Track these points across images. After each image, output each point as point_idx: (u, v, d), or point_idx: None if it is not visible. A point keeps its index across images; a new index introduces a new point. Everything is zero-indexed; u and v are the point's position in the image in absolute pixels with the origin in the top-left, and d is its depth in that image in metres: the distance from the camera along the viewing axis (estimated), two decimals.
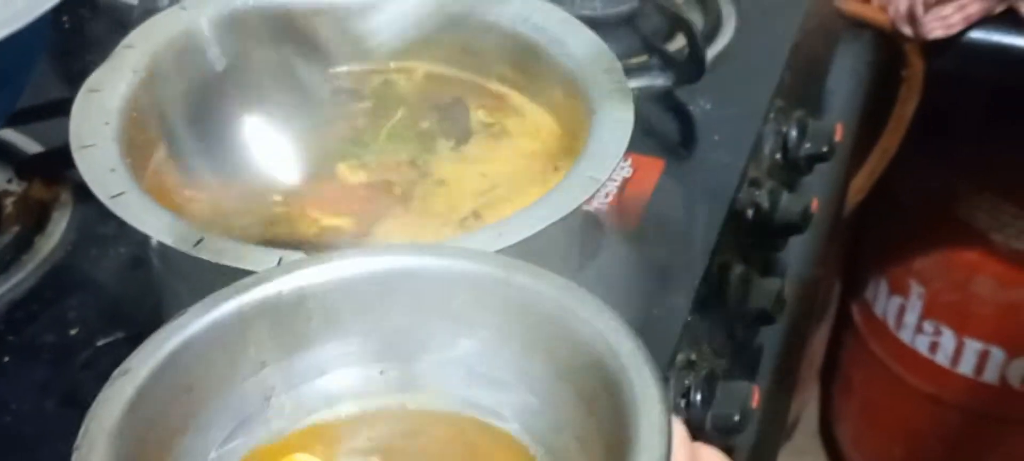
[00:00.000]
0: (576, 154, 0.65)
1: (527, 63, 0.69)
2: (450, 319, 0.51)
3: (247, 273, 0.53)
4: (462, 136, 0.69)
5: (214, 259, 0.54)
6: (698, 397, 0.74)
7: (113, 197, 0.56)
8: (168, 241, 0.55)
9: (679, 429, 0.46)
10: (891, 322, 1.62)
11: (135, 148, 0.61)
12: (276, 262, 0.54)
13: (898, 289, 1.59)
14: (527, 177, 0.67)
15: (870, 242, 1.64)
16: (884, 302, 1.63)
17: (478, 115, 0.71)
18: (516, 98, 0.71)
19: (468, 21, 0.70)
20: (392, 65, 0.72)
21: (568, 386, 0.50)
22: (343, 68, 0.72)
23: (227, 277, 0.52)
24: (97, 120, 0.61)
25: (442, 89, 0.72)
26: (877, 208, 1.47)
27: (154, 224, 0.56)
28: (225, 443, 0.50)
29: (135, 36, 0.66)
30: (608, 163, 0.59)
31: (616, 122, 0.62)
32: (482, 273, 0.51)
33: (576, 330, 0.48)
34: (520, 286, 0.50)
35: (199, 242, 0.54)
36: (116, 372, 0.46)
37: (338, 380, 0.52)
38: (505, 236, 0.56)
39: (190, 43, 0.66)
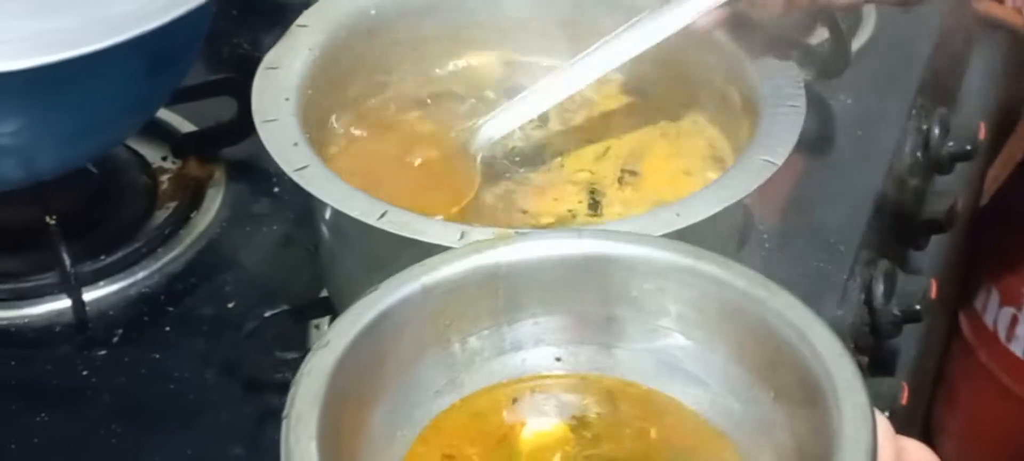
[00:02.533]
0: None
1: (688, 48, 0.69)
2: (633, 306, 0.52)
3: (428, 247, 0.54)
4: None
5: (398, 231, 0.55)
6: None
7: (297, 170, 0.57)
8: (353, 213, 0.56)
9: (883, 422, 0.45)
10: (1002, 333, 1.58)
11: (310, 125, 0.62)
12: (458, 236, 0.55)
13: (1010, 299, 1.56)
14: (634, 131, 0.69)
15: (982, 250, 1.62)
16: (995, 312, 1.59)
17: None
18: None
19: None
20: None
21: (753, 376, 0.49)
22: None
23: (405, 250, 0.53)
24: (277, 95, 0.62)
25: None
26: (992, 215, 1.45)
27: (339, 196, 0.57)
28: (414, 417, 0.51)
29: (309, 16, 0.67)
30: (783, 148, 0.59)
31: (788, 107, 0.62)
32: (667, 261, 0.51)
33: (766, 321, 0.48)
34: (706, 275, 0.50)
35: (383, 214, 0.55)
36: (316, 345, 0.47)
37: (525, 359, 0.53)
38: (684, 216, 0.56)
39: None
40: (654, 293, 0.51)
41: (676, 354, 0.51)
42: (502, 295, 0.52)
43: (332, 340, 0.47)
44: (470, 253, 0.51)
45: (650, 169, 0.68)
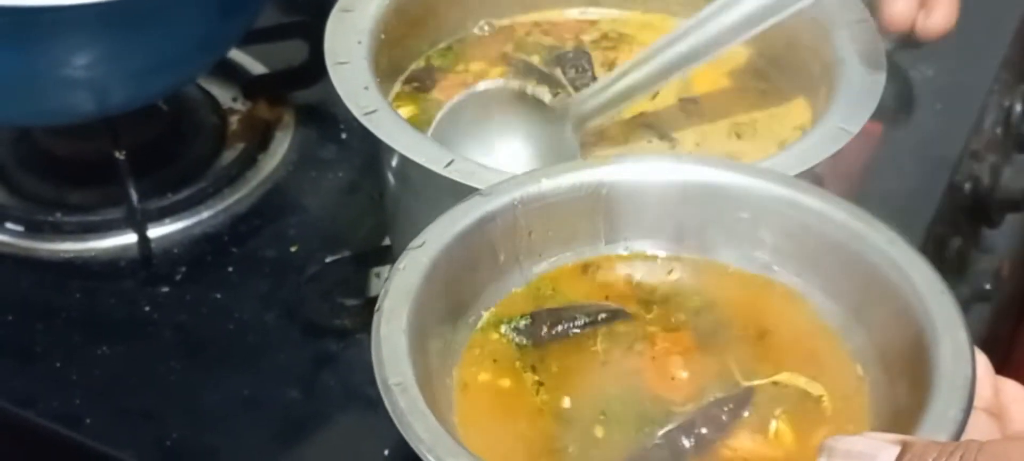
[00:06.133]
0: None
1: None
2: (728, 235, 0.51)
3: None
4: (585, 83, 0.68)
5: (464, 180, 0.54)
6: None
7: (367, 114, 0.57)
8: (420, 160, 0.55)
9: (983, 359, 0.45)
10: None
11: (381, 70, 0.62)
12: None
13: None
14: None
15: None
16: None
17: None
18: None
19: None
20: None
21: (848, 311, 0.49)
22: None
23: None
24: (350, 38, 0.61)
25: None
26: None
27: (407, 143, 0.56)
28: None
29: None
30: (860, 115, 0.58)
31: (867, 74, 0.60)
32: (766, 190, 0.51)
33: (865, 255, 0.48)
34: (806, 207, 0.50)
35: (450, 163, 0.55)
36: (412, 244, 0.47)
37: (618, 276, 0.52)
38: None
39: None
40: (750, 223, 0.51)
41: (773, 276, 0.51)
42: (600, 215, 0.52)
43: (428, 241, 0.48)
44: (572, 170, 0.51)
45: (705, 95, 0.67)
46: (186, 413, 0.64)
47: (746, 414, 0.47)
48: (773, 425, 0.47)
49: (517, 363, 0.49)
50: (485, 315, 0.50)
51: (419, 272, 0.47)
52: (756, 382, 0.48)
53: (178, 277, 0.72)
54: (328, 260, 0.67)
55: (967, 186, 0.84)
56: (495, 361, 0.49)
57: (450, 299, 0.48)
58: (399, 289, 0.46)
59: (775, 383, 0.48)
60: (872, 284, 0.48)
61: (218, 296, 0.71)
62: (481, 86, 0.61)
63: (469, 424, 0.46)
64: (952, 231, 0.82)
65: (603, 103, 0.62)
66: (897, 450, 0.38)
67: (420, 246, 0.48)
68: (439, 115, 0.60)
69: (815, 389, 0.48)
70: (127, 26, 0.65)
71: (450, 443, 0.41)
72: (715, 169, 0.51)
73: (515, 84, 0.62)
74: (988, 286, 0.79)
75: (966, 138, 0.82)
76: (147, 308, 0.70)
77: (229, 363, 0.67)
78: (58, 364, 0.66)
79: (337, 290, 0.69)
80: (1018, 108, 0.88)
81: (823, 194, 0.50)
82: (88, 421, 0.63)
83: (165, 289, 0.71)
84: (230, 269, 0.72)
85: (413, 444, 0.41)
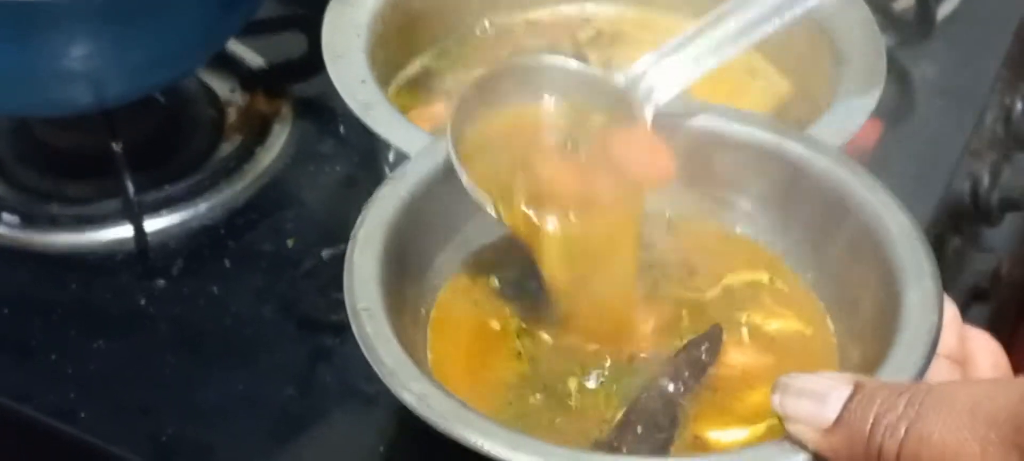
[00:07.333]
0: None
1: None
2: (712, 180, 0.52)
3: None
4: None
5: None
6: None
7: (364, 108, 0.57)
8: None
9: (951, 308, 0.46)
10: None
11: (378, 64, 0.62)
12: None
13: None
14: None
15: None
16: None
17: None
18: None
19: None
20: None
21: (827, 254, 0.50)
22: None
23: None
24: (349, 32, 0.61)
25: None
26: None
27: (404, 137, 0.56)
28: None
29: None
30: (859, 115, 0.58)
31: (867, 72, 0.60)
32: (751, 136, 0.51)
33: (845, 201, 0.49)
34: (791, 155, 0.50)
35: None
36: (392, 174, 0.47)
37: None
38: None
39: None
40: (734, 167, 0.52)
41: (750, 230, 0.52)
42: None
43: (408, 172, 0.48)
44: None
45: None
46: (181, 407, 0.64)
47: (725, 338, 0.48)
48: (744, 331, 0.48)
49: (500, 308, 0.49)
50: (472, 256, 0.50)
51: (397, 201, 0.46)
52: (709, 294, 0.50)
53: (174, 270, 0.71)
54: (325, 254, 0.67)
55: (967, 185, 0.83)
56: (476, 303, 0.49)
57: (430, 232, 0.48)
58: (375, 218, 0.46)
59: (726, 288, 0.50)
60: (852, 230, 0.48)
61: (214, 290, 0.70)
62: (519, 59, 0.56)
63: (441, 357, 0.46)
64: (951, 230, 0.82)
65: (681, 71, 0.52)
66: (849, 390, 0.38)
67: (401, 177, 0.47)
68: (463, 94, 0.51)
69: (760, 276, 0.50)
70: (125, 18, 0.65)
71: (412, 370, 0.41)
72: (700, 114, 0.52)
73: (562, 58, 0.54)
74: (987, 285, 0.79)
75: (966, 137, 0.82)
76: (143, 301, 0.69)
77: (225, 357, 0.67)
78: (53, 358, 0.66)
79: (334, 285, 0.68)
80: (1019, 106, 0.87)
81: (806, 140, 0.51)
82: (83, 415, 0.63)
83: (161, 283, 0.71)
84: (227, 263, 0.72)
85: (376, 368, 0.41)
